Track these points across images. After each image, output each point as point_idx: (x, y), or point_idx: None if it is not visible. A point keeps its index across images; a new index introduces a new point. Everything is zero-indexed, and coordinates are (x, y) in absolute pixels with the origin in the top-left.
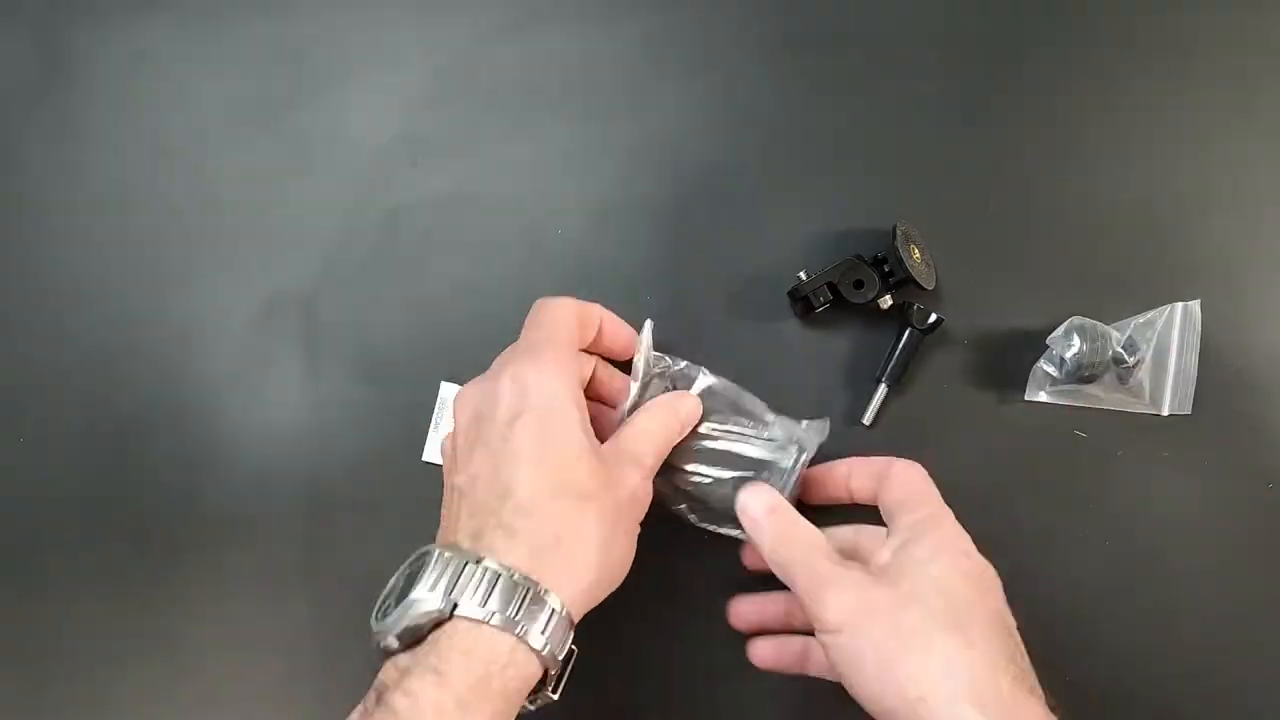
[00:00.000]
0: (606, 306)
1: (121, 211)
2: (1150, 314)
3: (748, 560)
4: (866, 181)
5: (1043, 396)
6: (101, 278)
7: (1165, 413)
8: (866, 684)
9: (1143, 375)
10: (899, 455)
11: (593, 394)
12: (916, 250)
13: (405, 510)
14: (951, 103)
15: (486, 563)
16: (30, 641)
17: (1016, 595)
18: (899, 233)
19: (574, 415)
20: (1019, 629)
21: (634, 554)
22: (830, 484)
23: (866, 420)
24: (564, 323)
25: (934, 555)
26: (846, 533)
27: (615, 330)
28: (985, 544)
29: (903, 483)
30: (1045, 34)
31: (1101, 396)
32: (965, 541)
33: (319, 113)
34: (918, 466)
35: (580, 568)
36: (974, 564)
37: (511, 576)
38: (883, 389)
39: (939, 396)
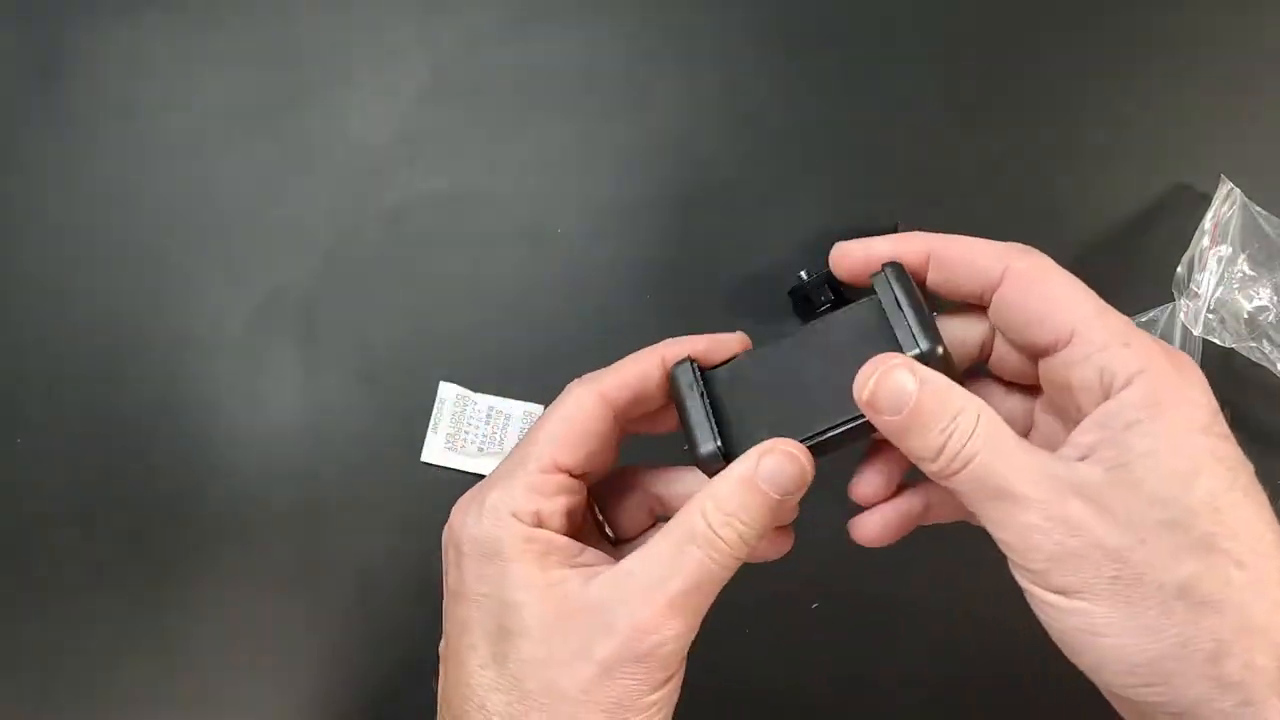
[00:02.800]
0: (606, 307)
1: (120, 211)
2: (1152, 313)
3: (861, 491)
4: (866, 181)
5: None
6: (100, 277)
7: None
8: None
9: None
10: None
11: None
12: None
13: (404, 510)
14: (951, 103)
15: None
16: (29, 642)
17: (1018, 599)
18: (900, 232)
19: (518, 583)
20: (1020, 632)
21: None
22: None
23: None
24: (552, 431)
25: (1159, 443)
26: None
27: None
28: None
29: (1034, 300)
30: (1045, 34)
31: None
32: (1190, 396)
33: (319, 113)
34: (1044, 263)
35: None
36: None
37: None
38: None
39: None
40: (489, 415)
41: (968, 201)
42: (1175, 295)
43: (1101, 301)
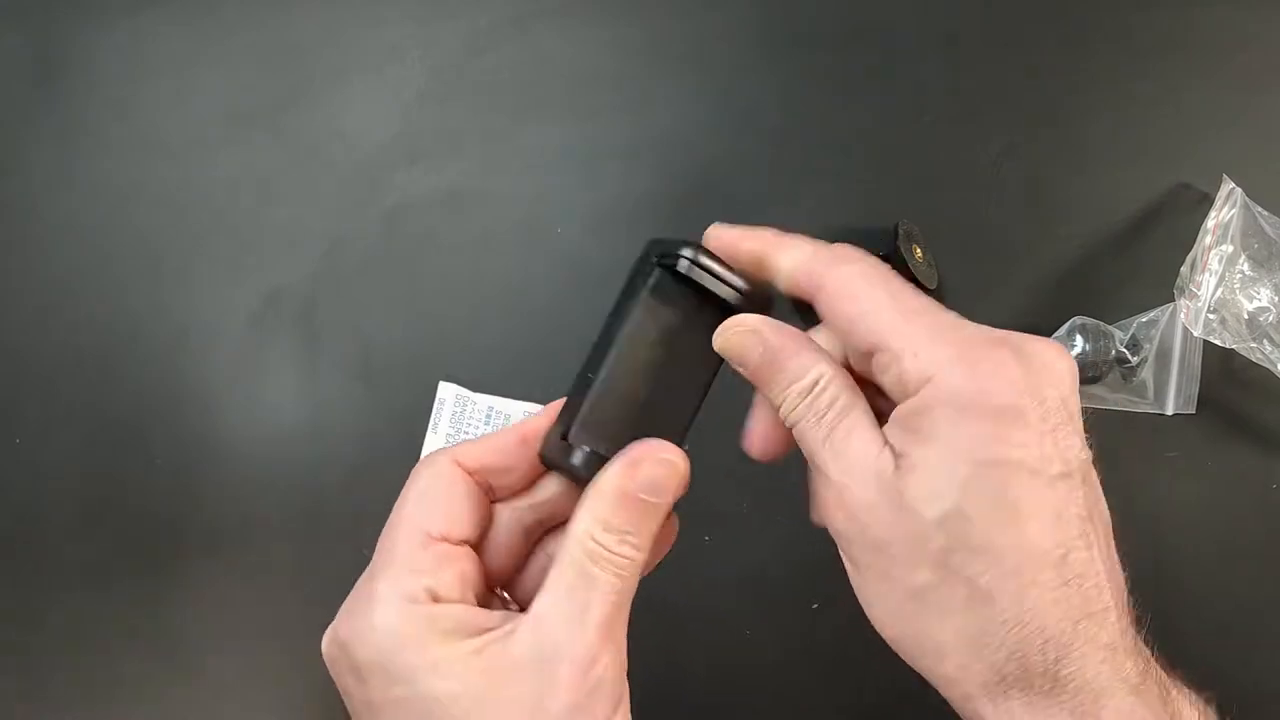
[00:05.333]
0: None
1: (120, 211)
2: (1153, 313)
3: (754, 444)
4: (867, 181)
5: None
6: (99, 277)
7: (1169, 412)
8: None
9: (1146, 375)
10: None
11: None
12: (919, 250)
13: None
14: (951, 102)
15: None
16: (28, 642)
17: None
18: (901, 232)
19: (431, 672)
20: None
21: None
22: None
23: None
24: (414, 509)
25: (926, 454)
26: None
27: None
28: None
29: (840, 318)
30: (1045, 34)
31: (1105, 396)
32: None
33: (319, 113)
34: (850, 272)
35: None
36: (988, 421)
37: None
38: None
39: None
40: (489, 415)
41: (967, 201)
42: (1176, 296)
43: (912, 303)
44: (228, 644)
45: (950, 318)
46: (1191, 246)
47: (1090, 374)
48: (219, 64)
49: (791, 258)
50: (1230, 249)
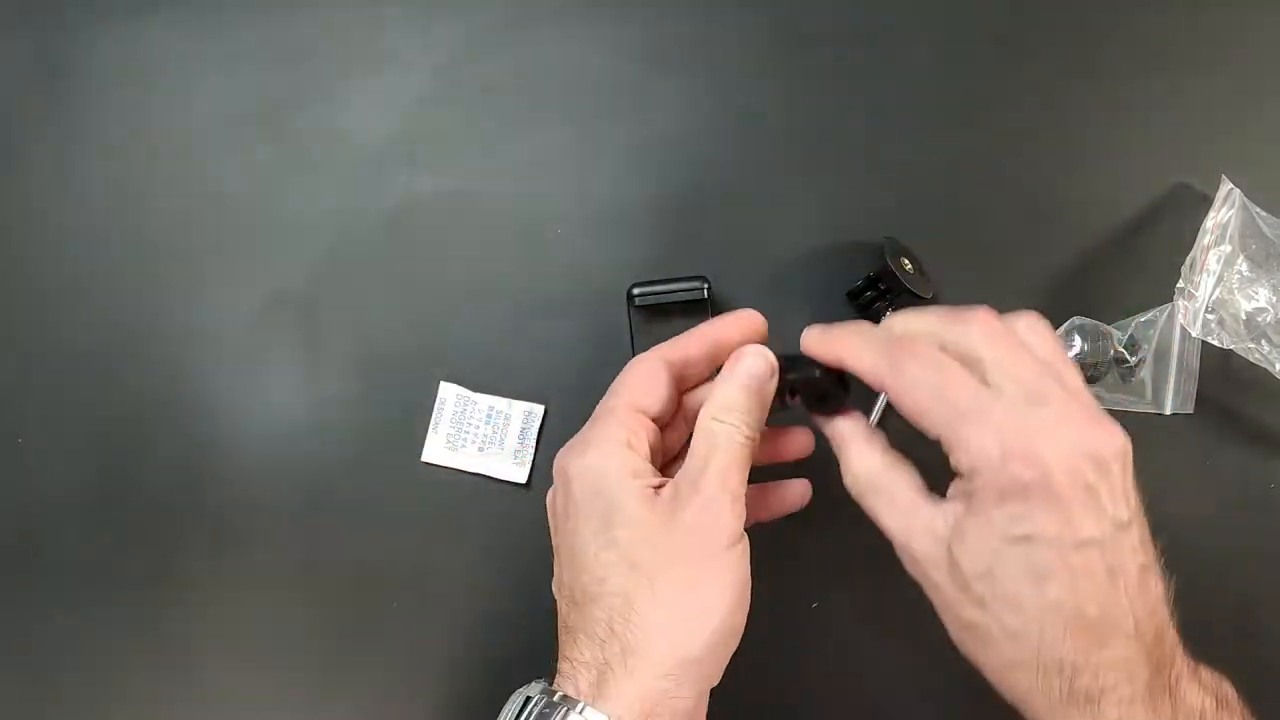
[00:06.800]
0: (605, 307)
1: (120, 211)
2: (1152, 313)
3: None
4: (866, 181)
5: None
6: (100, 278)
7: (1168, 412)
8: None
9: (1145, 375)
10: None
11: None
12: (908, 262)
13: (405, 510)
14: (951, 102)
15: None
16: (29, 642)
17: None
18: (888, 250)
19: (619, 491)
20: None
21: (743, 589)
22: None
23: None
24: (630, 387)
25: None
26: None
27: (726, 336)
28: None
29: (906, 405)
30: (1044, 34)
31: (1104, 396)
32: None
33: (319, 113)
34: (912, 367)
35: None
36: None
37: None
38: (885, 394)
39: None
40: (489, 415)
41: (967, 201)
42: (1175, 296)
43: (963, 401)
44: (229, 644)
45: (998, 409)
46: (1190, 247)
47: (1089, 374)
48: (219, 65)
49: (864, 361)
50: (1228, 249)
